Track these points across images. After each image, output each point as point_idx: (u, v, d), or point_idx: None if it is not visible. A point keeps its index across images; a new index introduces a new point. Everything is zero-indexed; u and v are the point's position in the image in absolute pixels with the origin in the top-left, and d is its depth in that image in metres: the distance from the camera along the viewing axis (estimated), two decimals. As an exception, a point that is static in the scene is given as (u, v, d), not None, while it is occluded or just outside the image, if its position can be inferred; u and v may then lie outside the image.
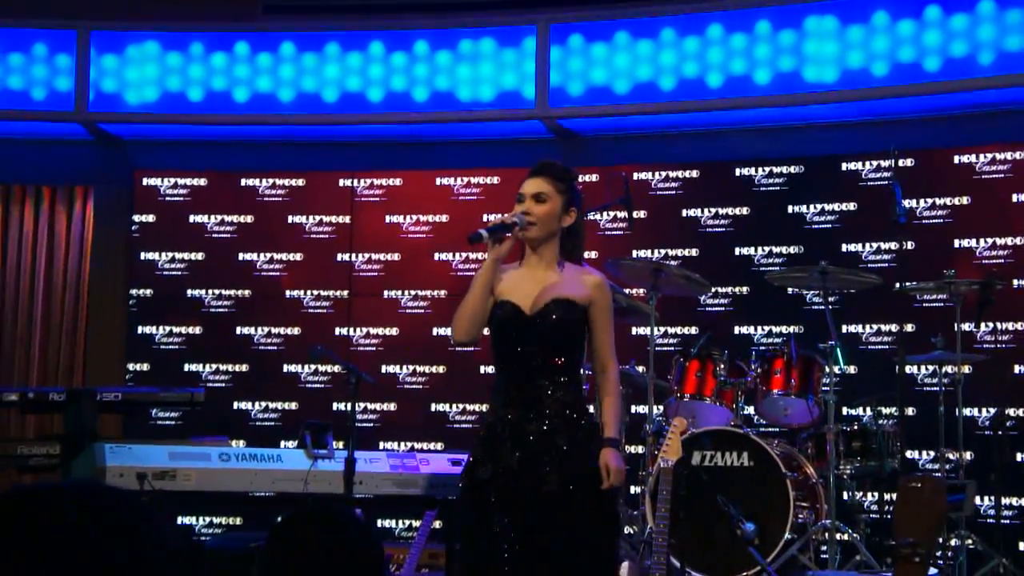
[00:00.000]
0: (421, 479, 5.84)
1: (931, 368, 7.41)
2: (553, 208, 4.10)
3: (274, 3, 8.90)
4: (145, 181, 8.75)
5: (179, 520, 8.30)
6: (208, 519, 8.33)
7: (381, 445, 8.18)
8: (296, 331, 8.56)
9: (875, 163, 7.89)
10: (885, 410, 6.88)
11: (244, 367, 8.57)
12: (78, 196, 8.87)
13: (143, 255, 8.69)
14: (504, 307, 4.06)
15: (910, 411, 7.37)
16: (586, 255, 8.03)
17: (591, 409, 4.29)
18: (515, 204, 4.14)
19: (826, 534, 6.23)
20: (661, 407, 6.75)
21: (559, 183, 4.13)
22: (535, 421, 3.98)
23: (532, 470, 3.94)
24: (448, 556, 5.75)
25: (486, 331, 4.17)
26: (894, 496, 6.97)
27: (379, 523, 8.17)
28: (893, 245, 7.57)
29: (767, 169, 8.15)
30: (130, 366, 8.60)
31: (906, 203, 6.71)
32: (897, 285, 6.87)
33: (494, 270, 4.06)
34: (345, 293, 8.58)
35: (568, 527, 3.91)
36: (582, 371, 4.19)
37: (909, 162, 7.72)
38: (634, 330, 7.81)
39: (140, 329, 8.64)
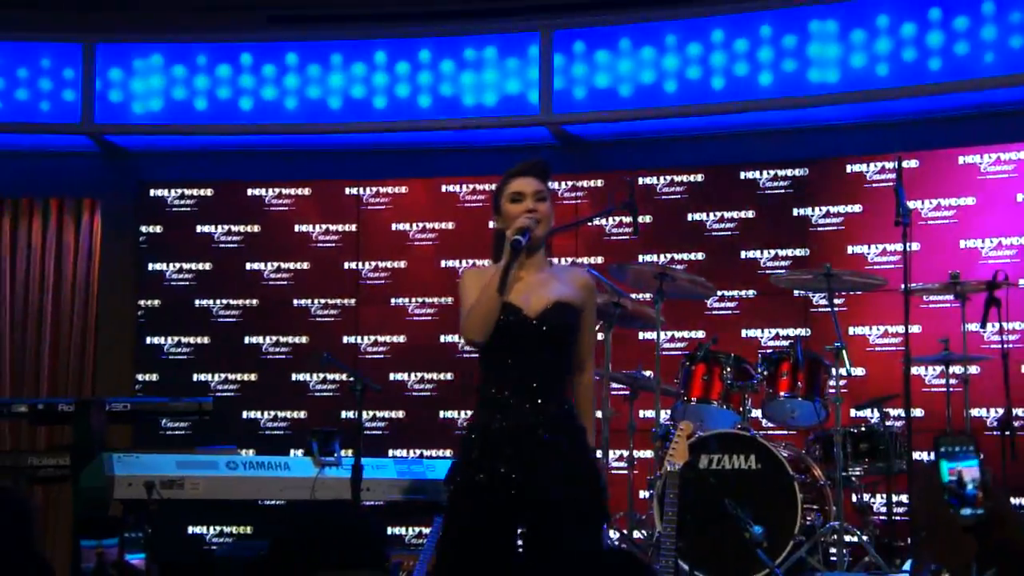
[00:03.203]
0: (429, 485, 5.85)
1: (938, 369, 7.41)
2: (550, 207, 4.13)
3: (278, 14, 8.93)
4: (152, 192, 8.78)
5: (189, 530, 8.32)
6: (218, 528, 8.34)
7: (390, 452, 8.19)
8: (304, 340, 8.58)
9: (880, 164, 7.89)
10: (892, 411, 6.87)
11: (252, 376, 8.59)
12: (85, 208, 8.91)
13: (151, 266, 8.72)
14: (504, 309, 4.04)
15: (917, 412, 7.36)
16: (592, 260, 8.09)
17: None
18: (510, 205, 4.13)
19: (835, 536, 6.22)
20: (668, 411, 6.75)
21: (548, 181, 4.16)
22: (533, 424, 3.96)
23: (534, 474, 3.93)
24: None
25: None
26: (903, 498, 6.98)
27: (389, 530, 8.18)
28: (898, 246, 7.56)
29: (772, 172, 8.16)
30: (139, 376, 8.63)
31: (910, 204, 6.72)
32: (903, 286, 6.87)
33: (516, 270, 4.03)
34: (352, 301, 8.60)
35: (570, 527, 3.90)
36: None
37: (914, 163, 7.72)
38: (640, 335, 7.81)
39: (148, 339, 8.66)
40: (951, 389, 6.73)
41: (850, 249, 7.87)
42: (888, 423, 6.64)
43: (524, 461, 3.92)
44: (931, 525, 2.56)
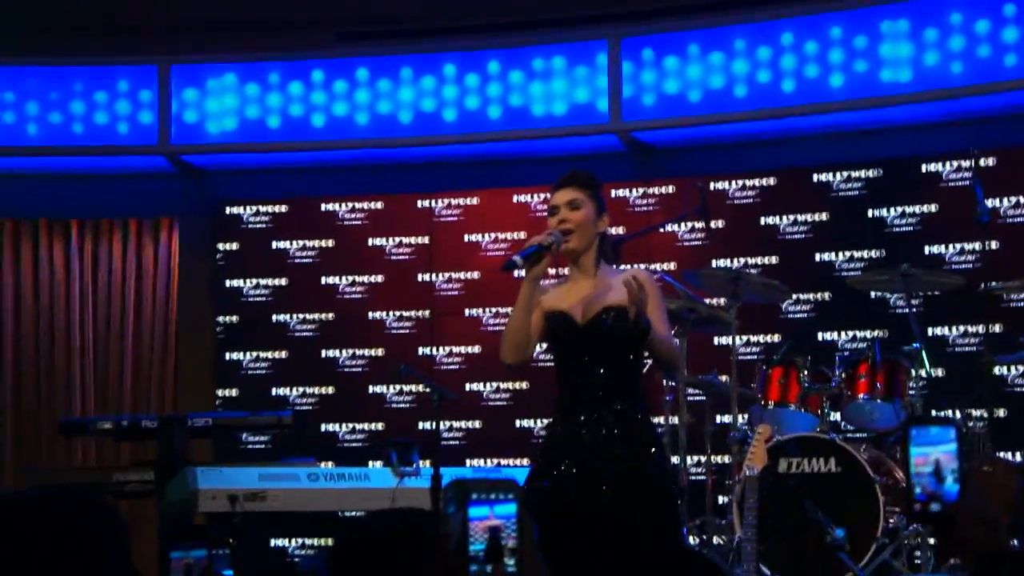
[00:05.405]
0: (508, 493, 5.86)
1: (1020, 368, 7.29)
2: (588, 213, 4.14)
3: (348, 30, 9.03)
4: (228, 210, 8.91)
5: (272, 543, 8.40)
6: (300, 541, 8.42)
7: (468, 462, 8.22)
8: (380, 352, 8.64)
9: (956, 163, 7.79)
10: (974, 412, 6.78)
11: (330, 389, 8.67)
12: (163, 227, 9.05)
13: (228, 283, 8.84)
14: (555, 319, 4.12)
15: (1000, 412, 7.25)
16: (664, 266, 8.07)
17: (654, 420, 4.26)
18: (548, 219, 4.18)
19: (919, 538, 6.15)
20: (745, 416, 6.71)
21: (588, 189, 4.17)
22: (592, 431, 3.99)
23: (589, 481, 3.95)
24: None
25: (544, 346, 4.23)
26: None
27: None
28: (977, 246, 7.47)
29: (845, 174, 8.08)
30: (219, 392, 8.75)
31: (989, 202, 6.64)
32: (982, 285, 6.78)
33: (532, 290, 4.10)
34: (427, 313, 8.65)
35: (626, 538, 3.90)
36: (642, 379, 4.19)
37: (991, 161, 7.61)
38: (715, 340, 7.77)
39: (228, 355, 8.78)
40: (1034, 388, 6.62)
41: (927, 249, 7.77)
42: (970, 424, 6.55)
43: (579, 468, 3.96)
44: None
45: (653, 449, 4.04)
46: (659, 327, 4.09)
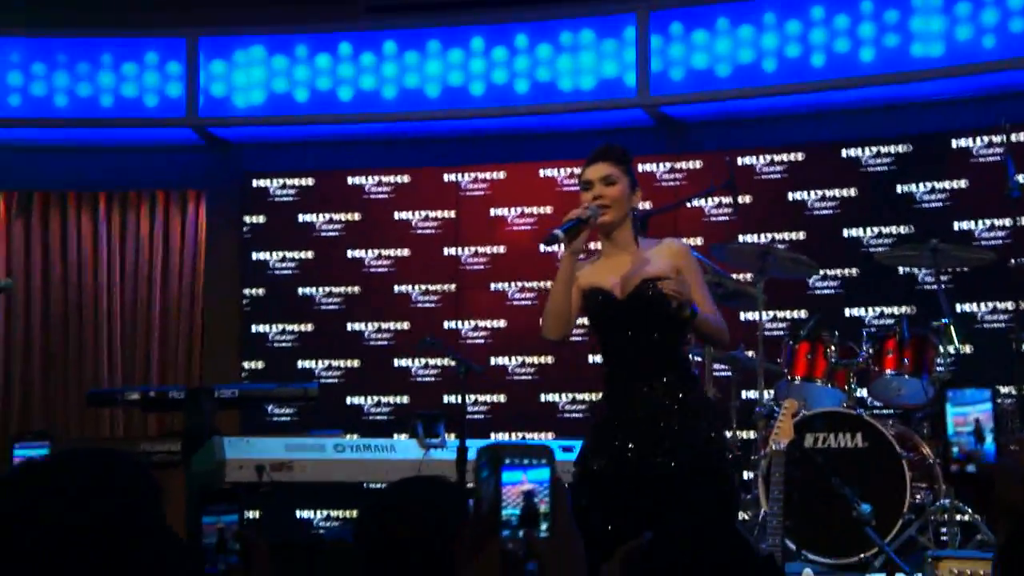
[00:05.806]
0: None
1: (1050, 345, 7.24)
2: (623, 189, 4.13)
3: (376, 3, 9.01)
4: (255, 183, 8.92)
5: (297, 514, 8.45)
6: (326, 512, 8.46)
7: (492, 436, 8.23)
8: (406, 326, 8.65)
9: (986, 139, 7.72)
10: (1003, 389, 6.75)
11: (355, 363, 8.69)
12: (191, 199, 9.08)
13: (255, 255, 8.86)
14: (595, 295, 4.11)
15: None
16: (692, 241, 8.05)
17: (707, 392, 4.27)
18: (581, 194, 4.17)
19: (945, 515, 6.13)
20: (771, 391, 6.70)
21: (621, 164, 4.16)
22: (644, 406, 3.99)
23: (644, 456, 3.95)
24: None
25: (584, 320, 4.23)
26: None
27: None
28: (1007, 221, 7.42)
29: (874, 149, 8.03)
30: (245, 364, 8.78)
31: (1020, 178, 6.58)
32: (1012, 261, 6.73)
33: (572, 264, 4.09)
34: (453, 287, 8.66)
35: (682, 508, 3.91)
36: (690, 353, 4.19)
37: (1022, 136, 7.54)
38: (742, 315, 7.76)
39: (254, 328, 8.81)
40: (1064, 366, 6.57)
41: (956, 225, 7.72)
42: (998, 400, 6.51)
43: (636, 445, 3.96)
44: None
45: (707, 419, 4.03)
46: (704, 307, 4.07)
